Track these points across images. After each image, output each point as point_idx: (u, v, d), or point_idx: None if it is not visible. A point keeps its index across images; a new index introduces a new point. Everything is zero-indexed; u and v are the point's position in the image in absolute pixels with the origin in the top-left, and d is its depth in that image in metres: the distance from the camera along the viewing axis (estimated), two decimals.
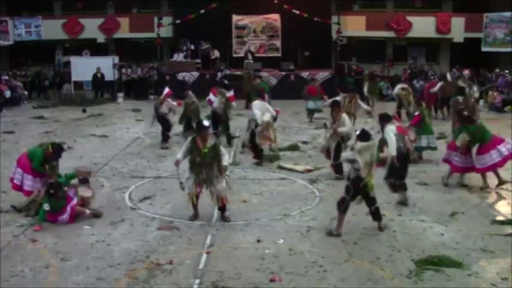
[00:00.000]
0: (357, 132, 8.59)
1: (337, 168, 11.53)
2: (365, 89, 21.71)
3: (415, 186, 11.04)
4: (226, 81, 21.88)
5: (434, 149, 13.16)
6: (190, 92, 16.24)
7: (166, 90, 15.54)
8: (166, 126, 15.20)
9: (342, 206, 8.34)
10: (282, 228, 8.68)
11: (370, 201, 8.46)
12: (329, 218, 8.97)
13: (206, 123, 9.19)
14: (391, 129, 9.47)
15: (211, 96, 15.26)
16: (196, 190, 8.88)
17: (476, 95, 18.36)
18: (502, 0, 27.63)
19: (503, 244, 8.05)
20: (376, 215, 8.55)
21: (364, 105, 16.57)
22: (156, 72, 27.44)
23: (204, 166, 8.78)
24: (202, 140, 8.86)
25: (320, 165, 12.72)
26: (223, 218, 8.99)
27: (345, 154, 8.85)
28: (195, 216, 9.02)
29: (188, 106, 15.78)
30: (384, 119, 9.76)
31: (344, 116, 11.65)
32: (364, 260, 7.47)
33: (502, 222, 8.97)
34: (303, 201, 10.09)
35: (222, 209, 9.00)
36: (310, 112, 19.22)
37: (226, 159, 9.08)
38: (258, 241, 8.13)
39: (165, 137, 15.16)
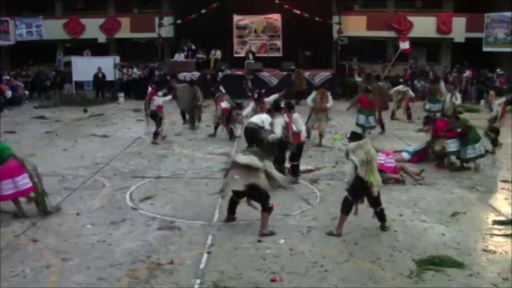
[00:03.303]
0: (348, 135, 8.66)
1: (294, 169, 11.45)
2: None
3: (416, 187, 11.08)
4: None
5: (482, 156, 12.63)
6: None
7: (149, 89, 16.13)
8: (158, 120, 15.65)
9: (344, 207, 8.35)
10: (282, 228, 8.67)
11: (375, 202, 8.45)
12: (330, 218, 8.98)
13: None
14: (279, 121, 10.74)
15: (223, 105, 15.58)
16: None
17: (458, 102, 17.44)
18: (503, 0, 27.62)
19: (504, 244, 8.05)
20: (381, 215, 8.54)
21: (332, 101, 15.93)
22: (157, 72, 27.44)
23: None
24: None
25: (321, 165, 12.75)
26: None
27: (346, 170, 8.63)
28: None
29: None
30: (275, 109, 11.29)
31: (296, 115, 11.32)
32: (365, 260, 7.46)
33: (503, 223, 8.94)
34: (303, 201, 10.08)
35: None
36: (361, 129, 15.29)
37: None
38: (259, 241, 8.13)
39: (155, 134, 15.64)
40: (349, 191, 8.35)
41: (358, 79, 21.12)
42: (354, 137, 8.50)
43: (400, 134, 16.48)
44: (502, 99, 14.91)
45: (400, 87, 20.00)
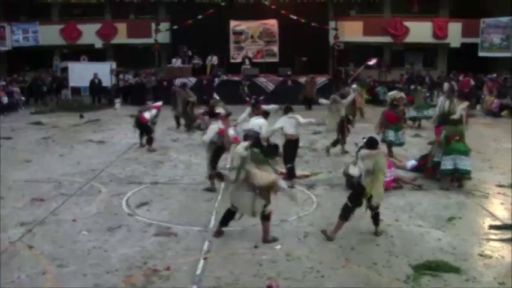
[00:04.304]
0: (364, 140, 8.56)
1: (289, 172, 11.55)
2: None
3: (413, 192, 11.10)
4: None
5: (463, 172, 11.33)
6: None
7: (159, 103, 16.40)
8: (147, 130, 15.51)
9: (344, 213, 8.34)
10: (279, 233, 8.65)
11: (372, 206, 8.47)
12: (326, 224, 8.98)
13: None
14: (213, 127, 10.97)
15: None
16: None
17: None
18: (498, 5, 27.76)
19: (500, 249, 8.07)
20: (375, 219, 8.56)
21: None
22: (154, 78, 27.43)
23: None
24: None
25: (317, 171, 12.75)
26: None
27: (351, 170, 8.58)
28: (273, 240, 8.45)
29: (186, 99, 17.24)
30: (210, 116, 11.74)
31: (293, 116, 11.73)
32: (362, 266, 7.46)
33: (499, 227, 8.96)
34: (300, 207, 10.06)
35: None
36: (390, 145, 14.35)
37: None
38: (255, 247, 8.12)
39: (149, 140, 15.44)
40: (349, 198, 8.38)
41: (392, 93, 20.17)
42: (370, 144, 8.40)
43: None
44: (466, 103, 14.84)
45: (395, 93, 19.76)
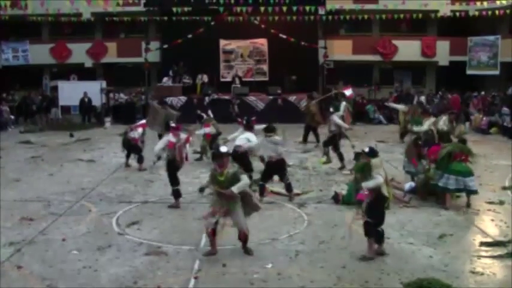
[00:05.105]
0: (366, 150, 8.55)
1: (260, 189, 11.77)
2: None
3: (403, 209, 11.10)
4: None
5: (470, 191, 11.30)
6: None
7: (143, 121, 16.74)
8: (137, 150, 15.52)
9: (368, 231, 8.33)
10: (270, 252, 8.64)
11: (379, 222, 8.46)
12: (317, 242, 8.97)
13: (223, 148, 8.59)
14: (164, 139, 11.42)
15: (207, 130, 15.63)
16: (212, 222, 8.32)
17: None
18: (485, 24, 28.09)
19: (491, 266, 8.08)
20: (380, 237, 8.55)
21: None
22: (144, 97, 27.43)
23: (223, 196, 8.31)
24: (219, 167, 8.33)
25: (308, 189, 12.74)
26: (245, 251, 8.58)
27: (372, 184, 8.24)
28: (211, 253, 8.44)
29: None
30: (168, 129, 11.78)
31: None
32: (353, 284, 7.43)
33: (490, 244, 8.99)
34: (291, 225, 10.06)
35: (243, 241, 8.56)
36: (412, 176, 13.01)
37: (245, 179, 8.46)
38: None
39: (140, 159, 15.41)
40: (369, 214, 8.31)
41: (396, 106, 19.78)
42: (374, 153, 8.48)
43: (387, 156, 16.48)
44: (432, 119, 15.28)
45: (403, 108, 19.44)
